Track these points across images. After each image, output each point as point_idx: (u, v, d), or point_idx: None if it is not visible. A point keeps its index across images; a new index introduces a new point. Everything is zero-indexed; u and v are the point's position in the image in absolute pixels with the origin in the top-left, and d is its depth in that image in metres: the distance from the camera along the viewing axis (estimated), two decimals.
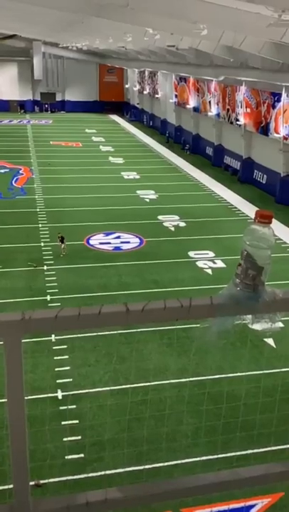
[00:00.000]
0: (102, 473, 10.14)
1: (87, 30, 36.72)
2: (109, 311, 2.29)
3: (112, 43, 42.81)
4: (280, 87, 30.57)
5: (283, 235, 24.63)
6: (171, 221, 27.67)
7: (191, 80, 47.27)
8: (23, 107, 72.49)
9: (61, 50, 69.43)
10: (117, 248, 23.64)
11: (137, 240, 24.67)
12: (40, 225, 26.26)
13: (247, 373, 13.50)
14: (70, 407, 12.35)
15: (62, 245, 22.26)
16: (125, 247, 23.89)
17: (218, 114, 42.33)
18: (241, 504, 9.75)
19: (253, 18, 18.50)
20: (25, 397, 2.37)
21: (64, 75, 74.45)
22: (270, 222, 2.37)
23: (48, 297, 18.45)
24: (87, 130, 58.71)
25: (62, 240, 22.36)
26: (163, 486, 2.78)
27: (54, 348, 14.86)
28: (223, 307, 2.40)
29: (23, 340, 2.26)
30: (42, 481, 9.45)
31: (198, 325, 2.47)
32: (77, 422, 11.97)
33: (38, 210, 28.94)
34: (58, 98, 75.29)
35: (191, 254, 23.03)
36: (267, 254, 2.39)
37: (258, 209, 2.55)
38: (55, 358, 14.52)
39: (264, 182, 35.49)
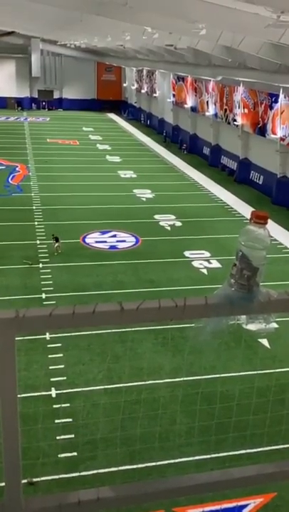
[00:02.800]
0: (95, 471, 10.14)
1: (86, 29, 36.62)
2: (104, 310, 2.29)
3: (111, 42, 42.76)
4: (278, 88, 30.61)
5: (279, 235, 24.65)
6: (167, 220, 27.66)
7: (189, 79, 47.24)
8: (20, 104, 72.22)
9: (59, 48, 69.27)
10: (112, 247, 23.62)
11: (133, 239, 24.65)
12: (36, 223, 26.19)
13: (241, 373, 13.51)
14: (63, 405, 12.34)
15: (57, 244, 22.19)
16: (121, 245, 23.86)
17: (215, 114, 42.33)
18: (234, 504, 9.76)
19: (251, 18, 18.51)
20: (19, 395, 2.36)
21: (62, 73, 74.26)
22: (266, 223, 2.37)
23: (43, 295, 18.42)
24: (84, 128, 58.60)
25: (56, 240, 22.29)
26: (155, 486, 2.78)
27: (48, 346, 14.84)
28: (218, 307, 2.40)
29: (16, 338, 2.26)
30: (34, 479, 9.44)
31: (192, 324, 2.46)
32: (70, 420, 11.95)
33: (34, 207, 28.86)
34: (56, 96, 75.06)
35: (187, 253, 23.03)
36: (262, 255, 2.39)
37: (253, 209, 2.54)
38: (50, 356, 14.50)
39: (260, 183, 35.53)
